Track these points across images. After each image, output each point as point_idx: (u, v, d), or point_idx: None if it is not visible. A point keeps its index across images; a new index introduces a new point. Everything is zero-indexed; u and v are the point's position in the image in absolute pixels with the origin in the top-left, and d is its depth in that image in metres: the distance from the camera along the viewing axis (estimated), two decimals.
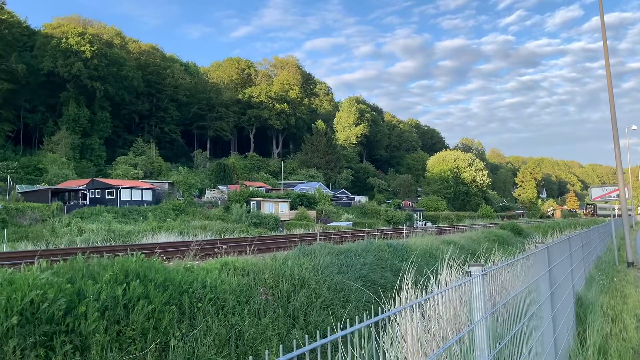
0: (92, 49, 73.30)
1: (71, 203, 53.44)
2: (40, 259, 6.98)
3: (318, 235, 17.35)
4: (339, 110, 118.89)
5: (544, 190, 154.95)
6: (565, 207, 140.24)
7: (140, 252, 8.39)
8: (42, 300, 5.81)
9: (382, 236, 19.51)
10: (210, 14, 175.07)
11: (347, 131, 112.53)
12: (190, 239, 19.28)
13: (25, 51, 73.30)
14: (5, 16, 67.40)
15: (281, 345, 1.82)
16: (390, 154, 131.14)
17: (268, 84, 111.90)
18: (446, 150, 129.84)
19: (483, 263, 3.71)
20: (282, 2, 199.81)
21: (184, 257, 10.63)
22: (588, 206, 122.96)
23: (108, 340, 6.02)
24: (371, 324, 2.45)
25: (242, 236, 25.68)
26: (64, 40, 71.98)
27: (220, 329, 7.33)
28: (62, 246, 20.22)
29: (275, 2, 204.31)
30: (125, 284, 6.71)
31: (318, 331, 2.46)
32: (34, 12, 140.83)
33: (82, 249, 10.02)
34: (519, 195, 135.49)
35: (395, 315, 6.31)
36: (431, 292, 7.01)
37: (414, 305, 5.55)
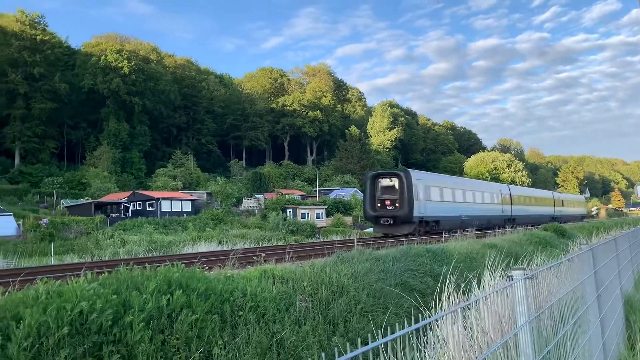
0: (130, 65, 75.41)
1: (113, 215, 54.96)
2: (87, 271, 7.20)
3: (355, 241, 17.31)
4: (372, 115, 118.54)
5: (587, 190, 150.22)
6: (610, 206, 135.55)
7: (182, 262, 8.56)
8: (90, 311, 5.99)
9: (421, 241, 19.32)
10: (242, 26, 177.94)
11: (381, 136, 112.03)
12: (230, 248, 19.53)
13: (67, 70, 75.98)
14: (48, 37, 70.09)
15: (323, 353, 1.84)
16: (425, 158, 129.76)
17: (301, 92, 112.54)
18: (483, 151, 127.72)
19: (525, 267, 3.64)
20: (313, 11, 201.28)
21: (223, 265, 10.78)
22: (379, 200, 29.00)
23: (153, 350, 6.16)
24: (412, 330, 2.44)
25: (279, 244, 25.84)
26: (102, 57, 74.30)
27: (261, 337, 7.40)
28: (106, 258, 20.78)
29: (305, 12, 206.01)
30: (168, 294, 6.86)
31: (359, 339, 2.47)
32: (74, 32, 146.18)
33: (125, 260, 10.30)
34: None
35: (437, 321, 6.24)
36: (473, 297, 6.90)
37: (455, 311, 5.49)
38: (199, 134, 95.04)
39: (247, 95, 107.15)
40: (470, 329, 6.46)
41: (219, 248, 22.95)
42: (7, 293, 6.25)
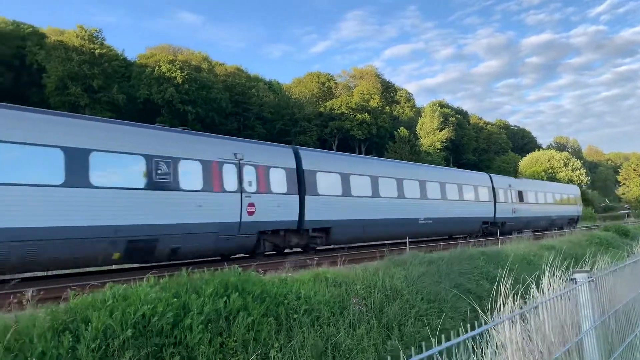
0: (183, 74, 77.75)
1: None
2: (150, 275, 7.48)
3: (407, 244, 17.16)
4: (421, 116, 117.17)
5: None
6: None
7: (238, 265, 8.76)
8: (152, 314, 6.24)
9: (476, 243, 18.94)
10: (290, 33, 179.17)
11: (431, 137, 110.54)
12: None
13: (124, 81, 79.08)
14: (105, 50, 73.24)
15: (389, 357, 1.86)
16: (478, 158, 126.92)
17: (348, 95, 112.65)
18: (539, 150, 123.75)
19: (588, 269, 3.53)
20: (360, 14, 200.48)
21: (277, 269, 10.93)
22: None
23: (212, 352, 6.34)
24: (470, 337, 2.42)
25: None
26: (157, 68, 76.96)
27: (316, 339, 7.46)
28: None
29: (352, 15, 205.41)
30: (225, 297, 7.04)
31: (415, 343, 2.47)
32: (129, 44, 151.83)
33: (185, 264, 10.61)
34: (623, 193, 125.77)
35: (495, 326, 6.11)
36: (532, 301, 6.72)
37: (514, 317, 5.36)
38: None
39: (296, 100, 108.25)
40: (529, 333, 6.29)
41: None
42: (78, 296, 6.58)
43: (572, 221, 43.70)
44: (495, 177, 33.47)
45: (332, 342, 7.73)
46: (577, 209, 46.22)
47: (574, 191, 47.98)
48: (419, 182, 23.72)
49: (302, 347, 7.24)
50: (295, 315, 7.69)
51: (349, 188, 19.83)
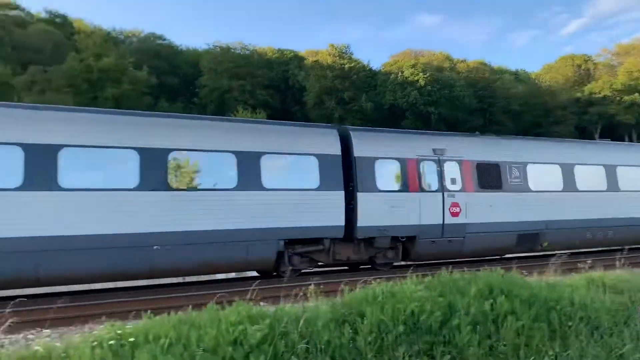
0: (425, 76, 79.04)
1: None
2: (413, 274, 7.77)
3: None
4: None
5: None
6: None
7: (500, 266, 8.48)
8: (420, 312, 6.46)
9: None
10: (535, 17, 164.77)
11: None
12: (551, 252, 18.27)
13: (370, 90, 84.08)
14: (353, 64, 79.17)
15: None
16: None
17: (611, 76, 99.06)
18: None
19: None
20: None
21: (542, 271, 10.22)
22: None
23: (482, 354, 6.25)
24: None
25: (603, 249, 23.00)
26: (400, 74, 79.85)
27: (598, 351, 6.74)
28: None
29: None
30: (491, 299, 6.88)
31: None
32: (374, 55, 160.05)
33: (444, 263, 10.79)
34: None
35: None
36: None
37: None
38: (497, 135, 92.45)
39: (547, 88, 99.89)
40: None
41: (539, 253, 21.71)
42: (352, 292, 7.20)
43: None
44: (360, 134, 14.26)
45: (616, 354, 6.90)
46: None
47: None
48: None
49: (580, 357, 6.63)
50: (570, 323, 7.08)
51: None
